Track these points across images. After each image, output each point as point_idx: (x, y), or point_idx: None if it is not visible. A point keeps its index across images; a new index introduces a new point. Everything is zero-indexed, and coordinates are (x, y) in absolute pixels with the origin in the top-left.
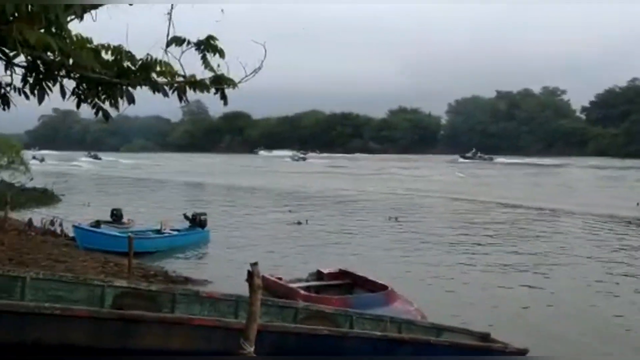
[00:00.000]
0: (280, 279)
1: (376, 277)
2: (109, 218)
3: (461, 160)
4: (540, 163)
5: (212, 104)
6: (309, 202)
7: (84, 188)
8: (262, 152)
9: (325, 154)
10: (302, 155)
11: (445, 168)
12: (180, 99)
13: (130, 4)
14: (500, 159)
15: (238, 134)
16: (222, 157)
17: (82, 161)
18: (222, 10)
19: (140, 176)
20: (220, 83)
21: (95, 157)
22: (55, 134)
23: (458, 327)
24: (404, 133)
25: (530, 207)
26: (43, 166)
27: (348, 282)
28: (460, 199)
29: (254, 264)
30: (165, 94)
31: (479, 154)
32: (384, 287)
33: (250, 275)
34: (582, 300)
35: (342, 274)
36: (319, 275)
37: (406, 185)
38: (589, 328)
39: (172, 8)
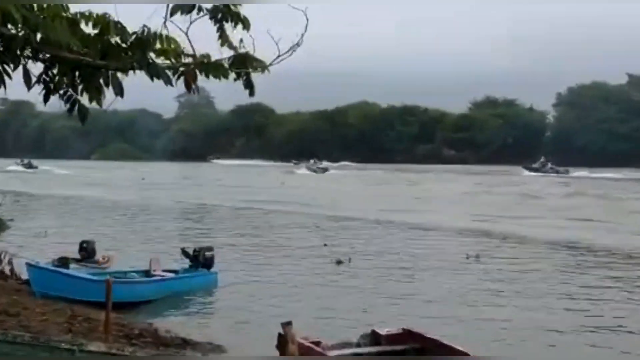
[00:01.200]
0: (318, 343)
1: (453, 341)
2: (76, 254)
3: (526, 173)
4: None
5: (220, 94)
6: (338, 228)
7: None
8: (215, 161)
9: (327, 163)
10: (322, 166)
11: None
12: (189, 87)
13: None
14: (580, 173)
15: (256, 136)
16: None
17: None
18: None
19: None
20: (244, 65)
21: (30, 166)
22: (3, 133)
23: None
24: (492, 135)
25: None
26: None
27: (415, 347)
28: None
29: (287, 324)
30: (168, 81)
31: (549, 165)
32: (464, 355)
33: (282, 340)
34: None
35: (407, 335)
36: (374, 337)
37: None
38: None
39: None
